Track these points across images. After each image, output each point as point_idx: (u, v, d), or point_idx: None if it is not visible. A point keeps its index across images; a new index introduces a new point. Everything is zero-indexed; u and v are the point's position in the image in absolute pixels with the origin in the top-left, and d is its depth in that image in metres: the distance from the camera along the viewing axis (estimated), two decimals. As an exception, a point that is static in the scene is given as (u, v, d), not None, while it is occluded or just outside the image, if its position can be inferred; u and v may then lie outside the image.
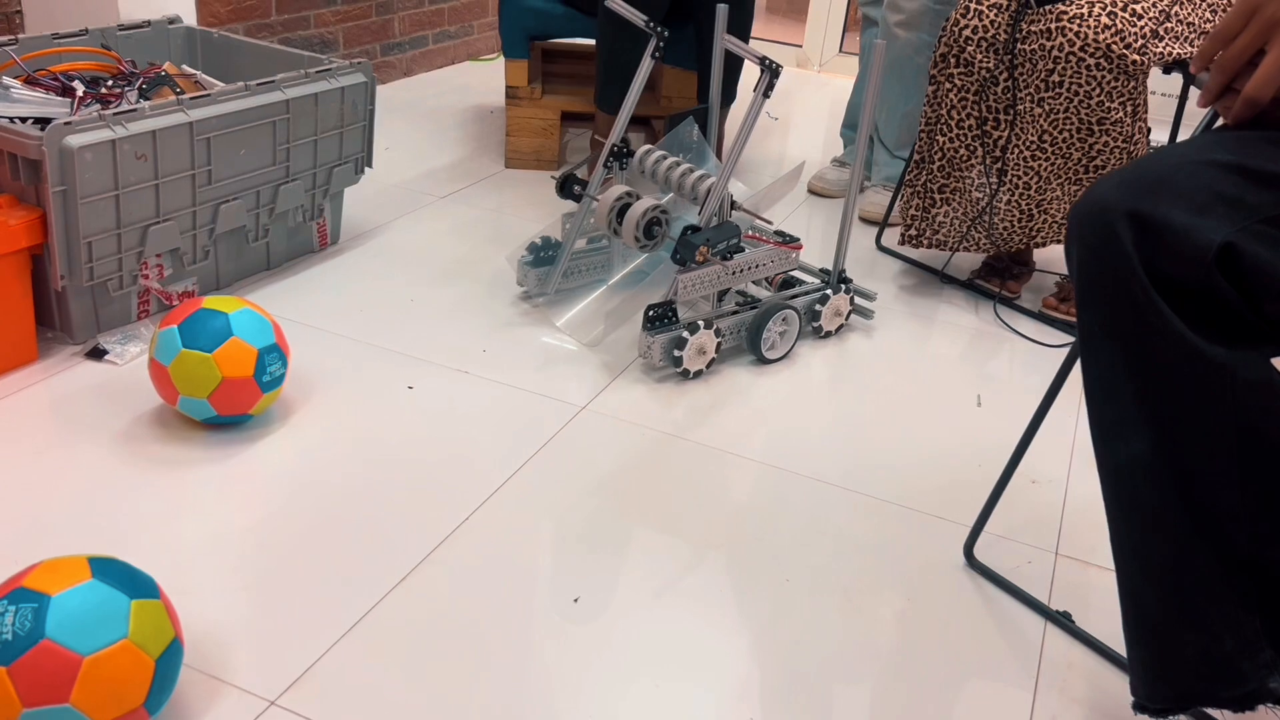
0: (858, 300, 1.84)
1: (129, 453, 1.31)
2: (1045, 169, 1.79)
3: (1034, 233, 1.87)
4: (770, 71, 1.56)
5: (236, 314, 1.31)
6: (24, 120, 1.48)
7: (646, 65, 1.72)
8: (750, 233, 1.71)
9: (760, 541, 1.28)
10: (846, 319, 1.82)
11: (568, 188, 1.75)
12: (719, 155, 2.39)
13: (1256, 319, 0.79)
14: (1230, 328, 0.80)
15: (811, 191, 2.50)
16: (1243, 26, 0.82)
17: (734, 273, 1.64)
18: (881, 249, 2.21)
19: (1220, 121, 0.92)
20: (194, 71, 1.74)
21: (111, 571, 0.89)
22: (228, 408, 1.32)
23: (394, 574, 1.16)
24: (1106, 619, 1.21)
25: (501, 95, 3.00)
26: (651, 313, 1.57)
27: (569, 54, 2.77)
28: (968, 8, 1.78)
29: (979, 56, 1.77)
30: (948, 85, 1.82)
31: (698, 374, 1.63)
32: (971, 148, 1.85)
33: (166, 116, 1.48)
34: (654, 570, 1.21)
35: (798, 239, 1.75)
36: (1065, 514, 1.40)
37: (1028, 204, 1.84)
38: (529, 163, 2.47)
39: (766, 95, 1.57)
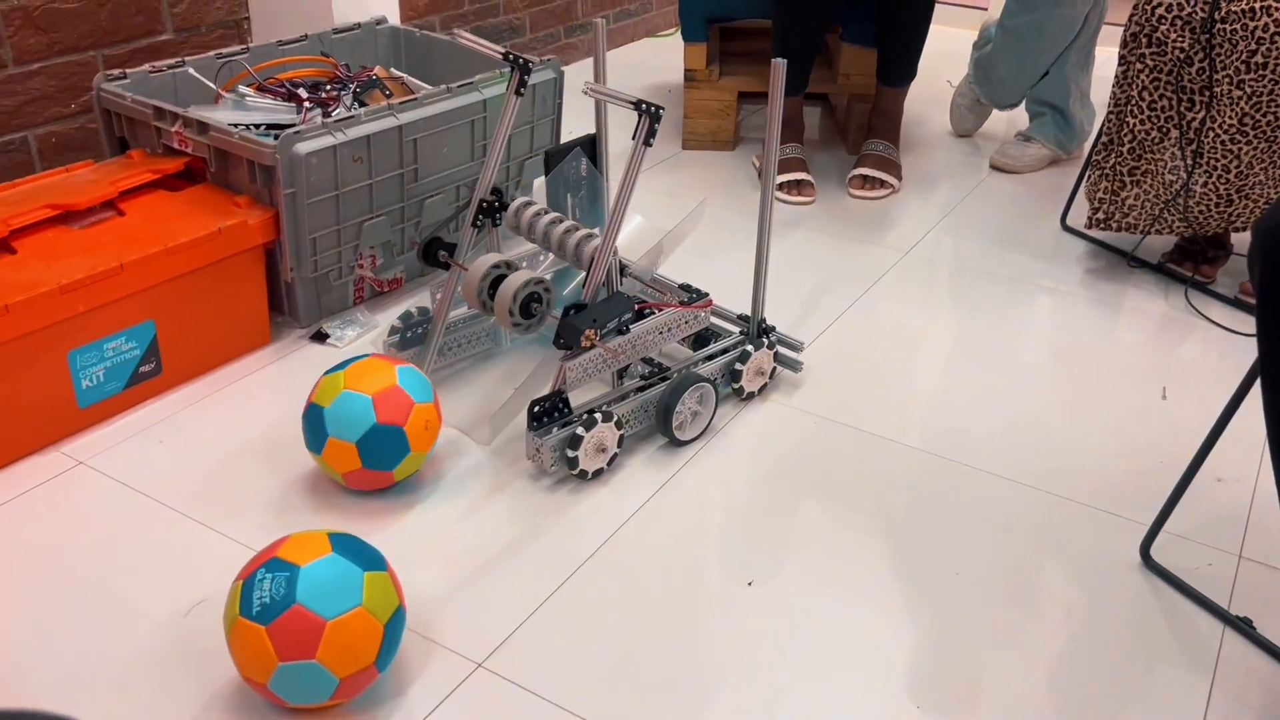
0: (782, 352, 1.60)
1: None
2: (1246, 153, 1.72)
3: (1233, 217, 1.80)
4: (650, 116, 1.29)
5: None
6: (257, 127, 1.65)
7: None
8: (646, 299, 1.45)
9: (929, 533, 1.32)
10: (771, 376, 1.58)
11: (431, 252, 1.50)
12: (890, 136, 2.37)
13: None
14: None
15: (994, 167, 2.46)
16: None
17: (629, 349, 1.40)
18: (1066, 229, 2.16)
19: None
20: (400, 74, 1.88)
21: (348, 546, 1.02)
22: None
23: (579, 556, 1.27)
24: (1291, 627, 1.19)
25: (675, 71, 3.06)
26: (537, 408, 1.34)
27: (746, 32, 2.80)
28: (1163, -16, 1.71)
29: (1173, 36, 1.71)
30: (1138, 65, 1.76)
31: (598, 473, 1.39)
32: (1164, 129, 1.79)
33: (379, 121, 1.62)
34: (822, 560, 1.27)
35: (706, 294, 1.50)
36: (1252, 515, 1.37)
37: (1226, 188, 1.76)
38: (705, 144, 2.53)
39: (648, 144, 1.30)
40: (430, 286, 1.59)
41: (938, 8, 2.30)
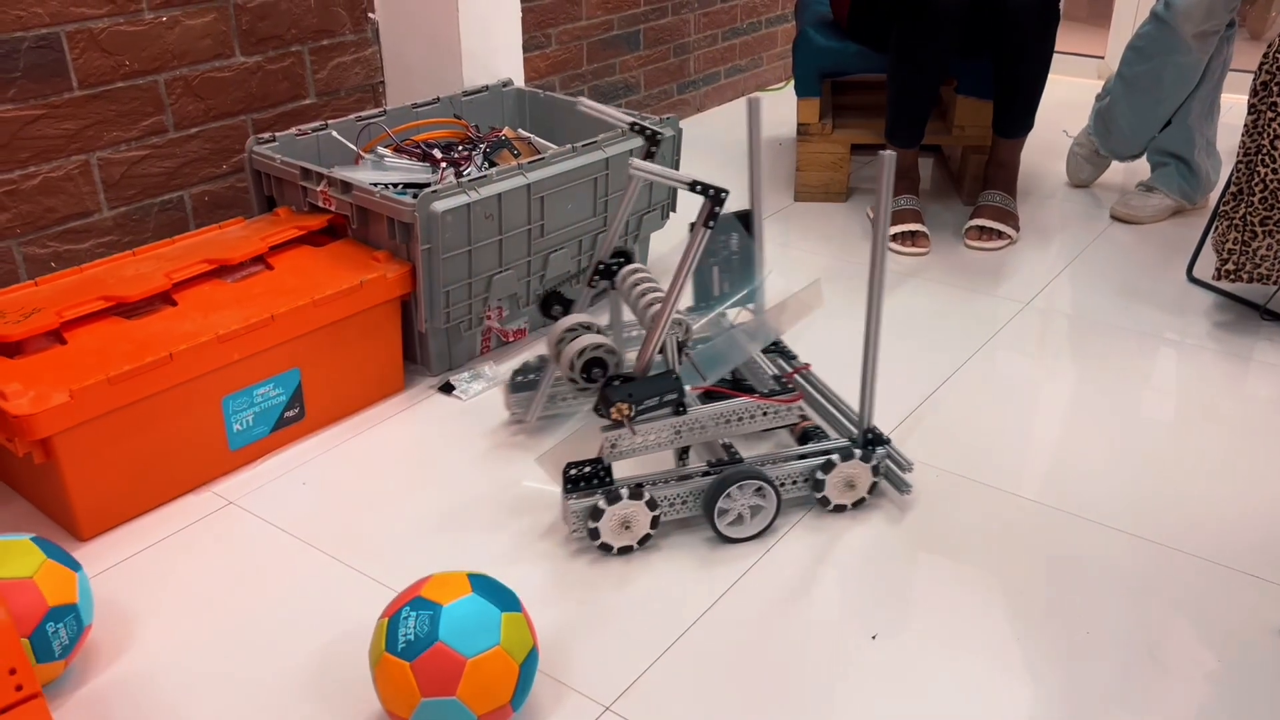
0: (891, 469, 1.46)
1: (482, 474, 1.52)
2: (1387, 202, 1.67)
3: (1373, 268, 1.74)
4: (711, 199, 1.23)
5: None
6: (395, 186, 1.75)
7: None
8: (718, 385, 1.35)
9: (1057, 590, 1.30)
10: (870, 491, 1.42)
11: (549, 306, 1.52)
12: (1007, 186, 2.36)
13: None
14: None
15: (1115, 218, 2.42)
16: None
17: (680, 432, 1.31)
18: (1193, 280, 2.11)
19: None
20: (527, 134, 1.96)
21: (487, 587, 1.06)
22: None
23: (705, 601, 1.29)
24: None
25: (788, 124, 3.11)
26: (573, 471, 1.32)
27: (859, 85, 2.83)
28: (1296, 33, 1.68)
29: (1309, 85, 1.67)
30: (1269, 114, 1.73)
31: (625, 550, 1.35)
32: (1299, 180, 1.74)
33: (509, 180, 1.69)
34: (946, 615, 1.27)
35: (794, 390, 1.37)
36: (1404, 580, 1.32)
37: (1366, 238, 1.71)
38: (817, 195, 2.55)
39: (708, 226, 1.24)
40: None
41: (1054, 57, 2.29)
